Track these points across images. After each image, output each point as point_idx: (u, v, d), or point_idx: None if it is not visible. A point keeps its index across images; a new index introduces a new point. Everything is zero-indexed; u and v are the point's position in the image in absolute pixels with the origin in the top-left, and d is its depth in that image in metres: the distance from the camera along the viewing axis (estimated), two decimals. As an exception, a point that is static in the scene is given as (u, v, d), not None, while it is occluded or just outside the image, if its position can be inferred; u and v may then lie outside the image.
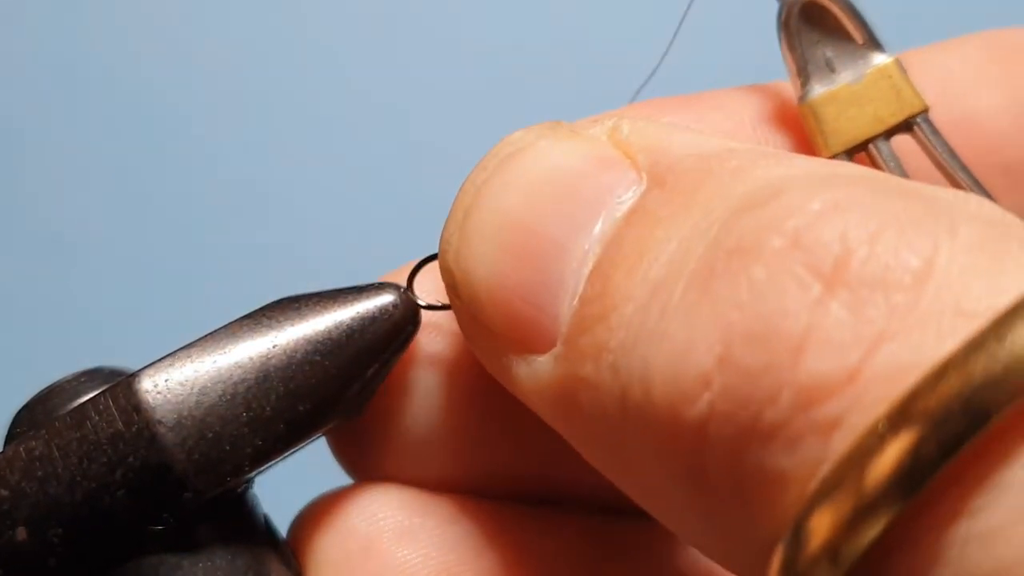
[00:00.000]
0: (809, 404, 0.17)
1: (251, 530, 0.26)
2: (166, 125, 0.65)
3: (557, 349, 0.21)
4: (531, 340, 0.22)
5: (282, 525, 0.28)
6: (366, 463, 0.28)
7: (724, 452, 0.18)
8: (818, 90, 0.27)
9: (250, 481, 0.26)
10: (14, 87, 0.66)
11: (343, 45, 0.67)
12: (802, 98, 0.27)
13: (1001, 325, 0.16)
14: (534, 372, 0.22)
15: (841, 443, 0.17)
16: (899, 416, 0.16)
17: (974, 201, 0.19)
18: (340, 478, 0.29)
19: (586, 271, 0.21)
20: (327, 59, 0.67)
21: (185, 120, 0.66)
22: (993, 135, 0.27)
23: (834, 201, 0.19)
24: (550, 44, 0.66)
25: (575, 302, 0.21)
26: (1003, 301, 0.17)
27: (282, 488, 0.28)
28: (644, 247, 0.20)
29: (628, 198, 0.21)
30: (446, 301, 0.26)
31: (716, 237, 0.19)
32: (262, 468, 0.25)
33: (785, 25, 0.27)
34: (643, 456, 0.20)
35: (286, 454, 0.25)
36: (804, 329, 0.17)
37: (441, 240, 0.24)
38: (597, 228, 0.21)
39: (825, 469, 0.17)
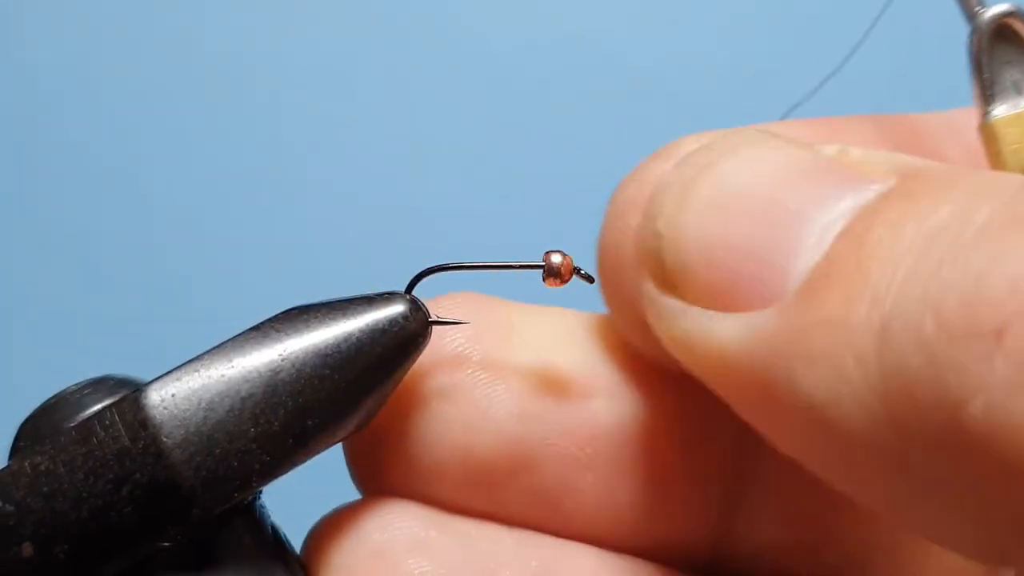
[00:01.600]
0: None
1: (259, 543, 0.25)
2: (175, 131, 0.65)
3: (789, 298, 0.21)
4: (745, 296, 0.22)
5: (291, 532, 0.27)
6: (384, 479, 0.27)
7: None
8: (1002, 111, 0.27)
9: (258, 493, 0.26)
10: (15, 88, 0.65)
11: (359, 49, 0.66)
12: (984, 117, 0.27)
13: None
14: (739, 328, 0.22)
15: None
16: None
17: None
18: (351, 486, 0.28)
19: (834, 232, 0.21)
20: (341, 62, 0.66)
21: (194, 126, 0.65)
22: None
23: None
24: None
25: (818, 257, 0.21)
26: None
27: (294, 494, 0.28)
28: (915, 207, 0.20)
29: (876, 188, 0.22)
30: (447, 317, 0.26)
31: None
32: (270, 483, 0.25)
33: (976, 46, 0.27)
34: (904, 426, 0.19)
35: (294, 468, 0.25)
36: None
37: (645, 212, 0.24)
38: (846, 203, 0.22)
39: None
